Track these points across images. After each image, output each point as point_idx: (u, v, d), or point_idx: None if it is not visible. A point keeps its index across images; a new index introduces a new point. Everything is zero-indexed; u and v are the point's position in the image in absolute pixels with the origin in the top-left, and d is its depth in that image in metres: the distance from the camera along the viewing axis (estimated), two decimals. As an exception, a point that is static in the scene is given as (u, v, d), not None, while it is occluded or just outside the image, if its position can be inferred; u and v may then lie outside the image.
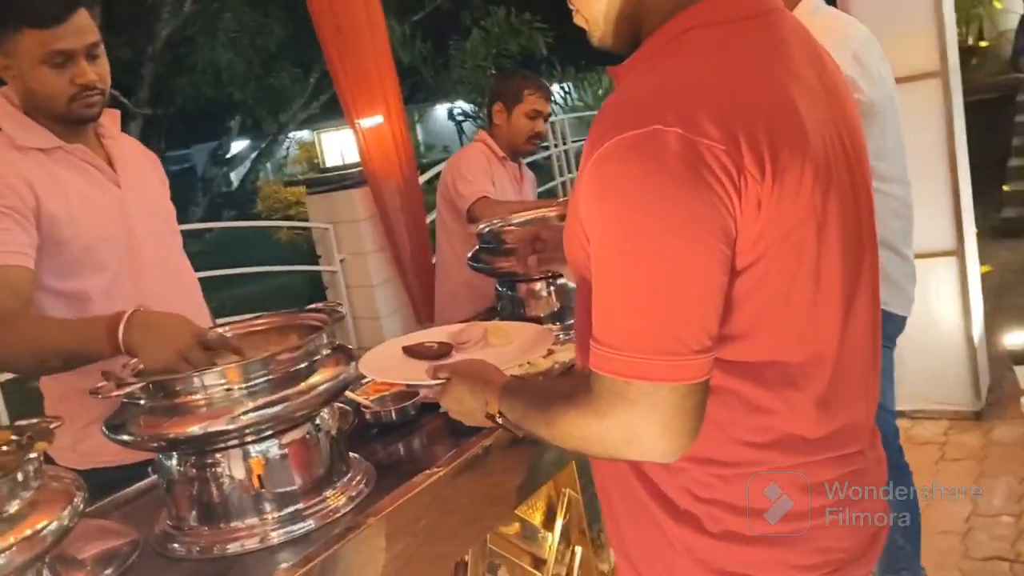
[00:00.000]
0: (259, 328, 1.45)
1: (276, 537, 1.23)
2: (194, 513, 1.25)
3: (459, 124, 9.66)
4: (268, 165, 13.93)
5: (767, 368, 0.95)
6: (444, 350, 1.47)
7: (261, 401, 1.20)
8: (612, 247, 0.89)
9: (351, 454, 1.42)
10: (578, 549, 1.84)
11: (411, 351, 1.46)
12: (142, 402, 1.20)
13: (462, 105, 9.73)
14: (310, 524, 1.25)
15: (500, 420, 1.11)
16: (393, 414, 1.59)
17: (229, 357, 1.32)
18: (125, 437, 1.19)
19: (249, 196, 11.97)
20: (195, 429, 1.17)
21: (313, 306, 1.47)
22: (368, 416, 1.60)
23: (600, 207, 0.90)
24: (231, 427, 1.18)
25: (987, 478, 2.82)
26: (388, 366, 1.39)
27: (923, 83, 3.02)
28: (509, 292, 2.08)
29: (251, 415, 1.19)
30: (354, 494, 1.32)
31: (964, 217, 3.17)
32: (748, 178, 0.87)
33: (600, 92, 9.74)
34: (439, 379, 1.23)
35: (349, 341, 4.28)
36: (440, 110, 15.26)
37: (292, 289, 5.05)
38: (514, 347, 1.43)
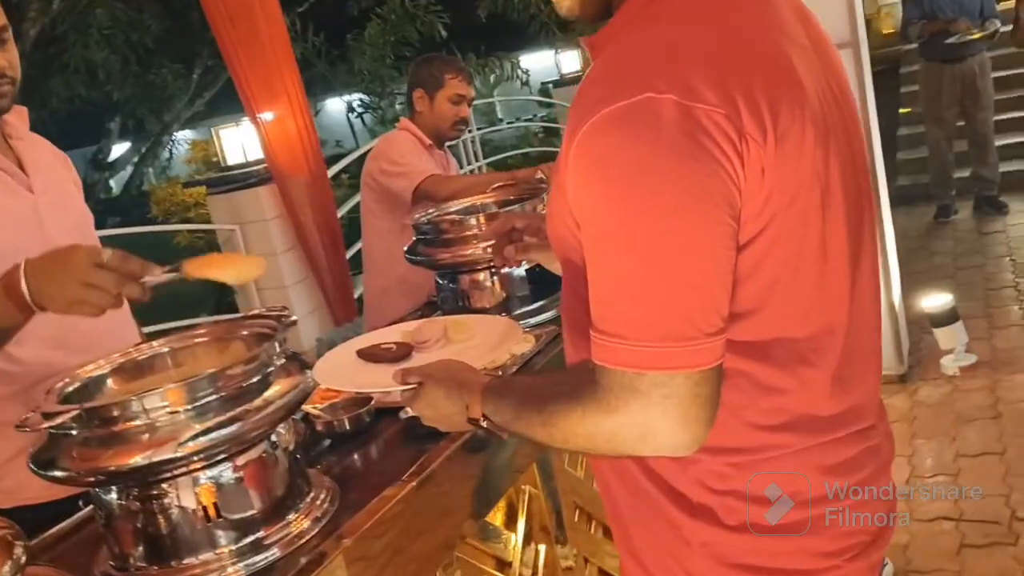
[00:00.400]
0: (199, 340, 1.31)
1: (235, 572, 1.10)
2: (140, 551, 1.11)
3: (360, 116, 9.43)
4: (151, 169, 13.33)
5: (777, 346, 0.89)
6: (404, 351, 1.36)
7: (212, 422, 1.07)
8: (609, 229, 0.82)
9: (310, 470, 1.30)
10: (541, 547, 1.77)
11: (367, 355, 1.34)
12: (74, 432, 1.06)
13: (362, 97, 9.50)
14: (274, 553, 1.13)
15: (485, 424, 1.02)
16: (347, 423, 1.47)
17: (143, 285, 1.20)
18: (58, 473, 1.04)
19: (135, 201, 11.39)
20: (138, 459, 1.03)
21: (256, 311, 1.34)
22: (319, 426, 1.48)
23: (592, 187, 0.83)
24: (179, 454, 1.04)
25: (920, 439, 2.88)
26: (347, 373, 1.27)
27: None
28: (451, 284, 1.97)
29: (201, 439, 1.05)
30: (319, 515, 1.21)
31: (879, 185, 3.23)
32: (750, 143, 0.80)
33: (498, 78, 9.65)
34: (410, 384, 1.12)
35: (264, 346, 4.09)
36: (332, 104, 14.91)
37: (197, 294, 4.80)
38: (479, 342, 1.33)
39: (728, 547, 0.92)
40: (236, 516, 1.12)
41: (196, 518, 1.10)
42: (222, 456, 1.10)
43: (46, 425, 1.01)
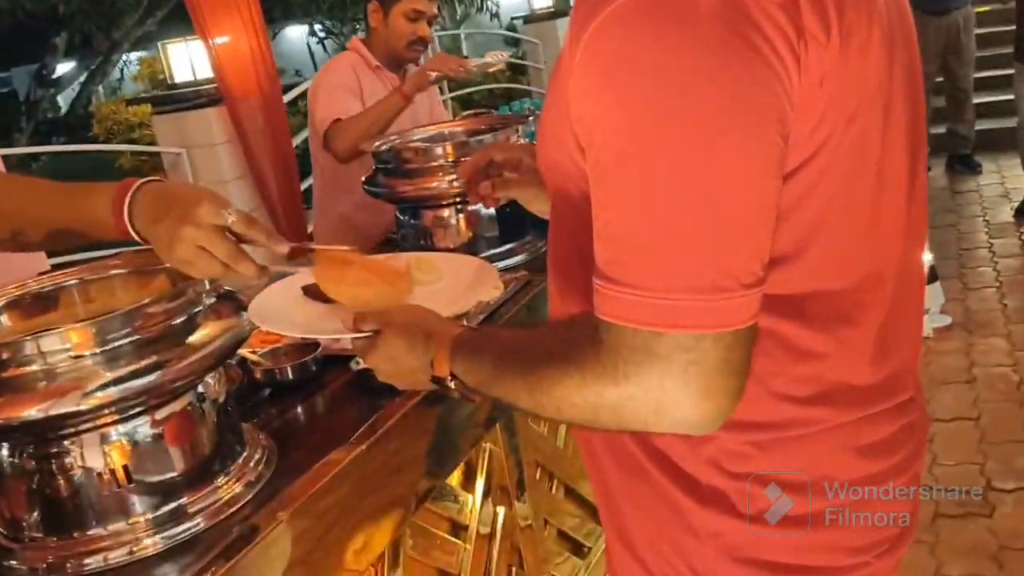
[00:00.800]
0: (114, 273, 1.12)
1: (152, 545, 0.93)
2: (35, 518, 0.94)
3: (321, 42, 9.00)
4: (101, 88, 12.77)
5: (815, 300, 0.73)
6: (356, 291, 1.18)
7: (124, 370, 0.89)
8: (626, 150, 0.64)
9: (244, 424, 1.13)
10: (500, 510, 1.63)
11: (314, 293, 1.16)
12: (-46, 379, 0.87)
13: (324, 22, 9.07)
14: (198, 524, 0.96)
15: (452, 384, 0.86)
16: (290, 371, 1.30)
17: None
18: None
19: (82, 121, 10.86)
20: (31, 412, 0.85)
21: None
22: (258, 374, 1.30)
23: (605, 96, 0.65)
24: (83, 407, 0.87)
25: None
26: (289, 314, 1.09)
27: None
28: (412, 221, 1.79)
29: (111, 390, 0.88)
30: (252, 478, 1.04)
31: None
32: (809, 41, 0.64)
33: (465, 11, 9.28)
34: (364, 332, 0.96)
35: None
36: (292, 31, 14.37)
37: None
38: (446, 284, 1.16)
39: (742, 539, 0.78)
40: (153, 479, 0.95)
41: (104, 481, 0.93)
42: (136, 410, 0.93)
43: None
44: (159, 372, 0.91)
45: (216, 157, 3.75)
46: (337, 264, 1.03)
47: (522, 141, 1.79)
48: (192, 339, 0.95)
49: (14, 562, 0.93)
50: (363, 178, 1.83)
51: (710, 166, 0.62)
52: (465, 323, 1.26)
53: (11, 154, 6.86)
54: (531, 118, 1.94)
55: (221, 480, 1.01)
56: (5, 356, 0.87)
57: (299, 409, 1.25)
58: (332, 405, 1.25)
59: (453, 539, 1.50)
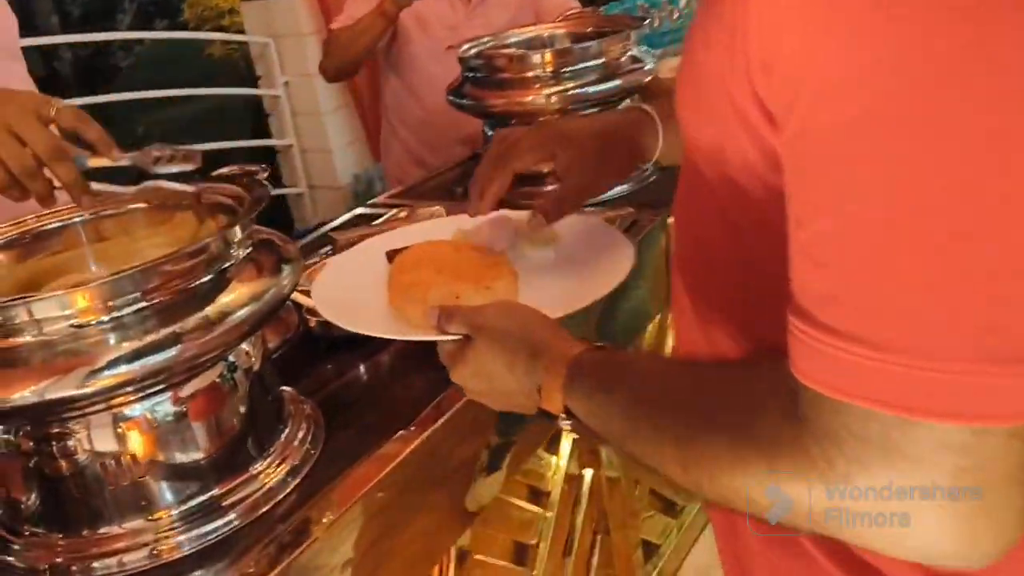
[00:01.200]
0: (130, 210, 0.95)
1: (176, 547, 0.79)
2: (36, 510, 0.80)
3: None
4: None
5: None
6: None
7: (138, 343, 0.72)
8: (887, 129, 0.40)
9: (285, 390, 0.96)
10: (587, 472, 1.46)
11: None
12: (-68, 346, 0.72)
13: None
14: (231, 521, 0.81)
15: (568, 425, 0.66)
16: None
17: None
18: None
19: (176, 7, 10.80)
20: (23, 395, 0.70)
21: (225, 170, 0.97)
22: (313, 325, 1.13)
23: (846, 40, 0.40)
24: (85, 390, 0.70)
25: None
26: (359, 299, 0.90)
27: None
28: (502, 139, 1.57)
29: (121, 368, 0.71)
30: (296, 461, 0.88)
31: None
32: None
33: None
34: (451, 335, 0.76)
35: (297, 179, 3.74)
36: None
37: (229, 114, 4.41)
38: (562, 261, 0.93)
39: None
40: (175, 467, 0.80)
41: (116, 469, 0.77)
42: (153, 389, 0.76)
43: None
44: (179, 347, 0.73)
45: (303, 48, 3.56)
46: (419, 265, 0.87)
47: (633, 52, 1.53)
48: (222, 301, 0.78)
49: (11, 559, 0.79)
50: (447, 88, 1.61)
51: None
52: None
53: (113, 39, 6.79)
54: (648, 22, 1.66)
55: (258, 466, 0.85)
56: (-8, 323, 0.71)
57: (360, 369, 1.08)
58: (400, 367, 1.07)
59: (532, 507, 1.34)
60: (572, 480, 1.42)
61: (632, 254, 0.88)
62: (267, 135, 3.76)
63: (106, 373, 0.71)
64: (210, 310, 0.76)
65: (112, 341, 0.72)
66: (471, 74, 1.56)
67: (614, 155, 0.91)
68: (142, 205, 0.97)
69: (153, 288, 0.74)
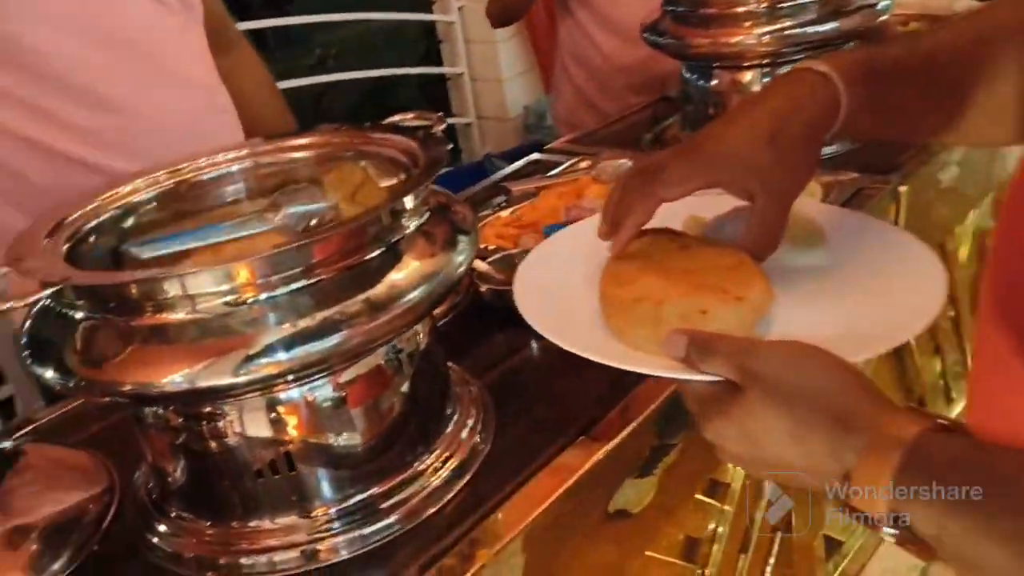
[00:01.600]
0: (294, 157, 0.86)
1: (330, 549, 0.70)
2: (186, 494, 0.74)
3: None
4: None
5: None
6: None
7: (298, 327, 0.63)
8: None
9: (452, 368, 0.86)
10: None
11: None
12: (77, 316, 0.65)
13: None
14: (393, 526, 0.72)
15: (893, 535, 0.50)
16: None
17: None
18: (49, 373, 0.65)
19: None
20: (176, 379, 0.62)
21: (397, 118, 0.86)
22: (485, 291, 1.02)
23: None
24: (240, 379, 0.62)
25: None
26: (575, 307, 0.71)
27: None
28: (700, 82, 1.39)
29: (280, 357, 0.62)
30: (464, 456, 0.78)
31: None
32: None
33: None
34: (711, 376, 0.58)
35: (466, 109, 3.65)
36: None
37: (401, 38, 4.36)
38: (838, 270, 0.70)
39: None
40: (331, 458, 0.71)
41: (268, 458, 0.70)
42: (312, 375, 0.67)
43: (8, 304, 0.60)
44: (343, 333, 0.63)
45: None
46: (640, 270, 0.67)
47: None
48: (391, 281, 0.67)
49: (156, 540, 0.73)
50: (641, 25, 1.44)
51: None
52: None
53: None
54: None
55: (423, 461, 0.76)
56: (138, 295, 0.63)
57: (533, 349, 0.96)
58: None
59: (709, 500, 1.21)
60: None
61: (942, 271, 0.66)
62: (438, 62, 3.68)
63: (262, 360, 0.62)
64: (379, 290, 0.66)
65: (270, 322, 0.63)
66: (672, 8, 1.38)
67: (797, 157, 0.67)
68: (305, 155, 0.87)
69: (316, 264, 0.64)
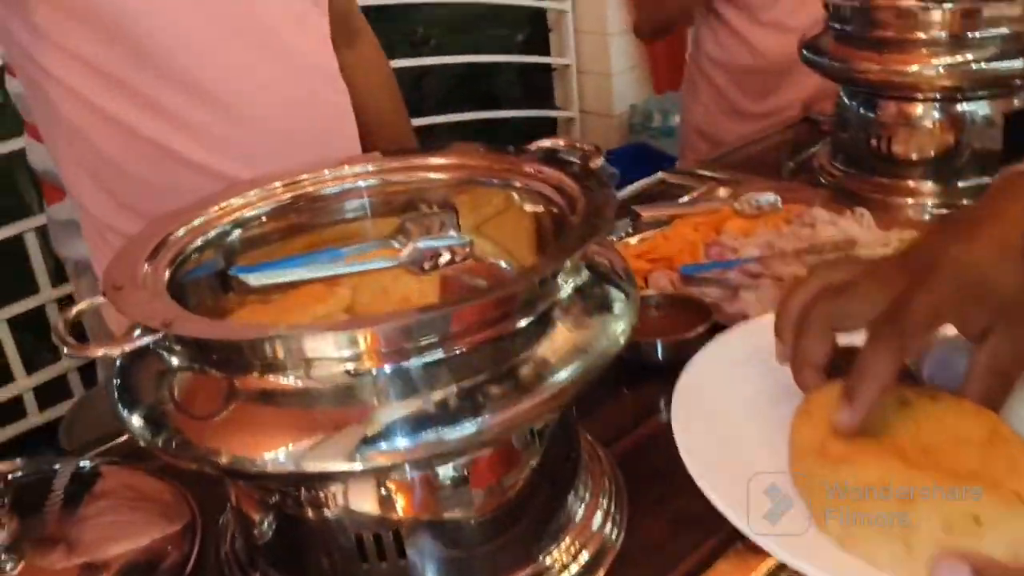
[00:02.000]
0: (430, 178, 0.75)
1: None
2: (275, 561, 0.64)
3: None
4: None
5: None
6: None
7: (429, 406, 0.52)
8: None
9: (584, 436, 0.75)
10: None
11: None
12: (174, 361, 0.56)
13: None
14: (508, 632, 0.61)
15: None
16: (659, 349, 0.89)
17: None
18: (135, 421, 0.56)
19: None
20: (279, 459, 0.52)
21: (547, 143, 0.75)
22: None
23: None
24: (355, 466, 0.52)
25: None
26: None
27: None
28: (862, 111, 1.24)
29: (401, 444, 0.52)
30: (596, 550, 0.67)
31: None
32: None
33: None
34: None
35: (570, 102, 3.53)
36: None
37: (504, 22, 4.24)
38: None
39: None
40: (443, 547, 0.61)
41: (371, 539, 0.60)
42: (434, 463, 0.57)
43: (101, 352, 0.51)
44: (481, 419, 0.53)
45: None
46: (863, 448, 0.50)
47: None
48: (540, 356, 0.56)
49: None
50: (798, 41, 1.29)
51: None
52: None
53: None
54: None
55: (552, 554, 0.65)
56: (246, 351, 0.53)
57: (663, 412, 0.84)
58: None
59: None
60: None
61: None
62: (543, 51, 3.55)
63: (382, 445, 0.51)
64: (526, 368, 0.55)
65: (395, 398, 0.52)
66: (838, 26, 1.23)
67: None
68: (444, 177, 0.77)
69: (455, 334, 0.53)
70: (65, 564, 0.70)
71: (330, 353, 0.52)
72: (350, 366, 0.52)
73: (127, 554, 0.70)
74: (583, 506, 0.69)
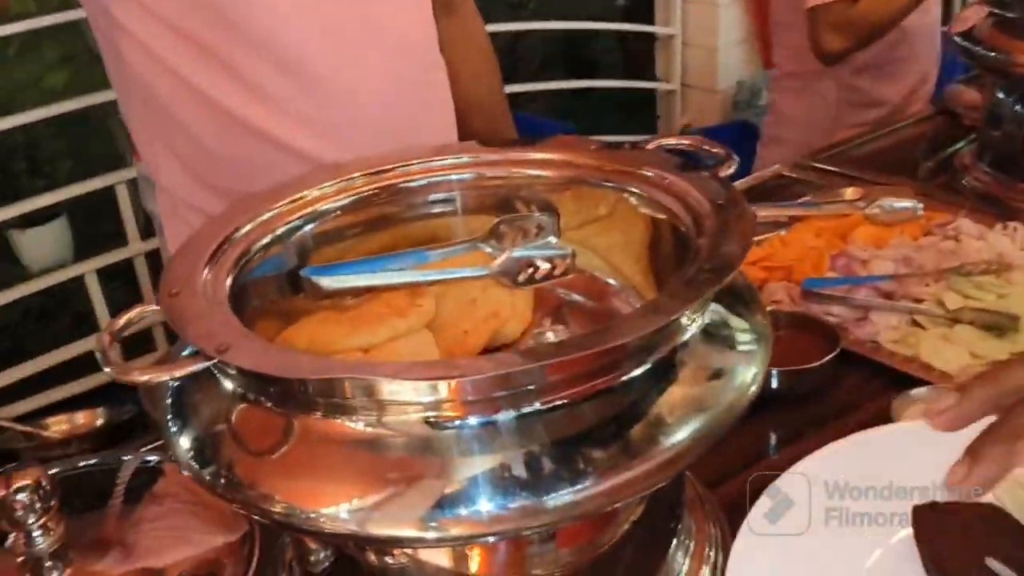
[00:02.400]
0: (529, 175, 0.66)
1: None
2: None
3: None
4: None
5: None
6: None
7: (519, 467, 0.44)
8: None
9: (687, 479, 0.65)
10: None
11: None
12: (228, 386, 0.48)
13: None
14: None
15: None
16: (774, 378, 0.78)
17: None
18: (183, 446, 0.49)
19: None
20: (341, 515, 0.44)
21: (670, 141, 0.65)
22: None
23: None
24: (427, 535, 0.44)
25: None
26: None
27: None
28: (1018, 106, 1.10)
29: (484, 510, 0.43)
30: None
31: None
32: None
33: None
34: None
35: (672, 74, 3.37)
36: None
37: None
38: None
39: None
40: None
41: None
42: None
43: (146, 378, 0.44)
44: (582, 486, 0.44)
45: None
46: None
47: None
48: (656, 413, 0.47)
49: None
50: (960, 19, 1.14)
51: None
52: None
53: None
54: None
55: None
56: (307, 389, 0.45)
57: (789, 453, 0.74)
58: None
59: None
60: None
61: None
62: (647, 19, 3.39)
63: (460, 511, 0.43)
64: (637, 429, 0.46)
65: (479, 455, 0.44)
66: (998, 12, 1.08)
67: None
68: (543, 174, 0.67)
69: (555, 384, 0.44)
70: (116, 571, 0.65)
71: (406, 398, 0.44)
72: (431, 415, 0.44)
73: (183, 563, 0.65)
74: (687, 558, 0.60)
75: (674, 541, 0.60)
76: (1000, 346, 0.81)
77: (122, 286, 2.44)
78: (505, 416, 0.44)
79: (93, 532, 0.69)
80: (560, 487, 0.44)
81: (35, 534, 0.60)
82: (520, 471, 0.43)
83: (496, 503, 0.43)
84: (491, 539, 0.46)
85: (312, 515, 0.44)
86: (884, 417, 0.73)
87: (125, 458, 0.76)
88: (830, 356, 0.78)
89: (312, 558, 0.60)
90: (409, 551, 0.52)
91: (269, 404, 0.47)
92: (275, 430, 0.46)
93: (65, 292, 2.40)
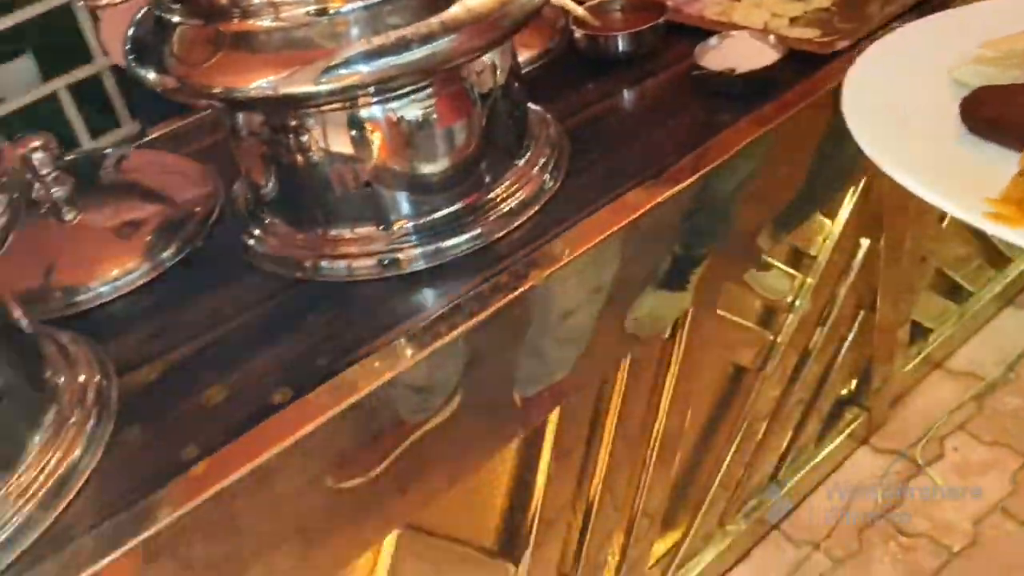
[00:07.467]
0: None
1: (407, 260, 0.76)
2: (276, 201, 0.79)
3: None
4: None
5: None
6: None
7: (381, 40, 0.65)
8: None
9: (533, 108, 0.87)
10: (864, 242, 1.29)
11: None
12: (174, 19, 0.69)
13: None
14: (460, 244, 0.77)
15: None
16: (620, 42, 0.98)
17: None
18: (151, 75, 0.70)
19: None
20: (261, 85, 0.65)
21: None
22: (579, 38, 1.00)
23: None
24: (320, 88, 0.65)
25: None
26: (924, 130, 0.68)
27: None
28: None
29: (360, 68, 0.64)
30: (530, 194, 0.80)
31: None
32: None
33: None
34: None
35: None
36: None
37: None
38: None
39: None
40: (402, 175, 0.74)
41: (349, 173, 0.74)
42: (388, 91, 0.70)
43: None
44: (430, 46, 0.65)
45: None
46: None
47: None
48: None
49: (251, 241, 0.80)
50: None
51: None
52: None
53: None
54: None
55: (495, 190, 0.79)
56: (226, 2, 0.65)
57: (624, 97, 0.95)
58: (668, 102, 0.93)
59: (790, 270, 1.21)
60: (844, 248, 1.26)
61: None
62: None
63: (342, 71, 0.64)
64: (456, 10, 0.66)
65: (353, 34, 0.65)
66: None
67: None
68: None
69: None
70: (113, 220, 0.85)
71: (297, -2, 0.64)
72: (312, 8, 0.64)
73: (164, 211, 0.86)
74: (525, 159, 0.82)
75: (522, 147, 0.82)
76: (795, 7, 1.02)
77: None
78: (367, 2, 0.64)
79: (92, 196, 0.86)
80: (407, 51, 0.65)
81: (50, 182, 0.80)
82: (381, 42, 0.64)
83: (367, 66, 0.64)
84: (371, 91, 0.67)
85: (243, 90, 0.65)
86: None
87: (107, 151, 0.96)
88: (659, 20, 0.98)
89: (261, 191, 0.80)
90: (321, 142, 0.72)
91: (200, 22, 0.67)
92: (208, 40, 0.66)
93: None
